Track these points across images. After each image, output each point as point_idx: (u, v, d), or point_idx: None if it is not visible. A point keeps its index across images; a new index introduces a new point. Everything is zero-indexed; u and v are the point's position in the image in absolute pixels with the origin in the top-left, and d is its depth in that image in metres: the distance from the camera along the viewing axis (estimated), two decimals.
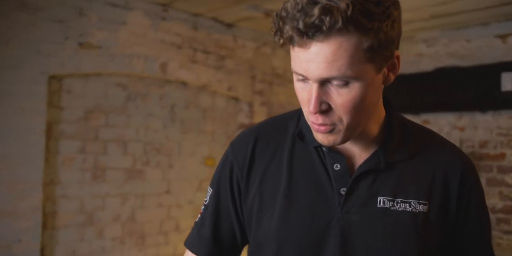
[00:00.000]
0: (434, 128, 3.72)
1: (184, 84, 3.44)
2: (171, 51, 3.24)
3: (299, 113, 1.00)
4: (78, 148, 2.88)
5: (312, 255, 0.90)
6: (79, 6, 2.77)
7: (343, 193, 0.90)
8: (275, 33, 0.80)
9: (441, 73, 3.77)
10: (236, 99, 3.77)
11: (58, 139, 2.79)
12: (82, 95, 2.90)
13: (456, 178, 0.92)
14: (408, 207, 0.89)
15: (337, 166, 0.91)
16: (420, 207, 0.89)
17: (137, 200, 3.16)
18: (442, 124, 3.78)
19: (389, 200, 0.89)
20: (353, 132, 0.86)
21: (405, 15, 3.46)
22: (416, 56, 3.95)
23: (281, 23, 0.77)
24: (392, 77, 0.87)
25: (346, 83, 0.79)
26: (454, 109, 3.69)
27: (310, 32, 0.74)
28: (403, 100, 3.86)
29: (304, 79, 0.82)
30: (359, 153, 0.93)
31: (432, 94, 3.77)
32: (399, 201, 0.89)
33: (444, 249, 0.92)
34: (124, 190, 3.10)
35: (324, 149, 0.93)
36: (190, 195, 3.45)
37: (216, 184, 1.02)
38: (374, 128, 0.92)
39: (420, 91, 3.83)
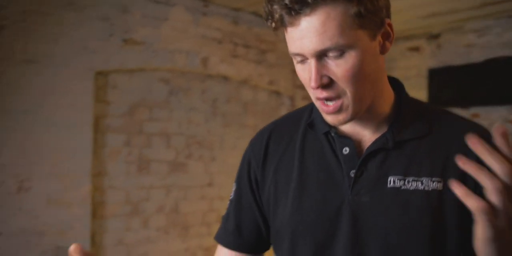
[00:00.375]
0: (485, 122, 3.58)
1: (225, 78, 3.49)
2: (212, 46, 3.30)
3: (312, 105, 1.02)
4: (123, 141, 3.00)
5: (325, 239, 0.90)
6: (122, 4, 2.88)
7: (352, 175, 0.90)
8: (267, 19, 0.83)
9: (493, 64, 3.62)
10: (277, 93, 3.79)
11: (105, 132, 2.92)
12: (127, 90, 3.01)
13: (472, 151, 0.89)
14: (420, 185, 0.87)
15: (346, 150, 0.91)
16: (434, 184, 0.86)
17: (181, 192, 3.26)
18: (494, 118, 3.63)
19: (400, 179, 0.88)
20: (361, 105, 0.86)
21: (453, 5, 3.35)
22: (465, 47, 3.81)
23: (269, 6, 0.81)
24: (388, 45, 0.87)
25: (341, 53, 0.80)
26: (507, 102, 3.54)
27: (297, 6, 0.77)
28: (451, 93, 3.74)
29: (303, 59, 0.84)
30: (369, 137, 0.92)
31: (482, 86, 3.63)
32: (411, 180, 0.87)
33: (463, 228, 0.87)
34: (168, 182, 3.20)
35: (333, 134, 0.93)
36: (232, 187, 3.51)
37: (238, 179, 1.07)
38: (384, 108, 0.92)
39: (469, 84, 3.70)
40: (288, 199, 0.95)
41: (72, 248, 0.75)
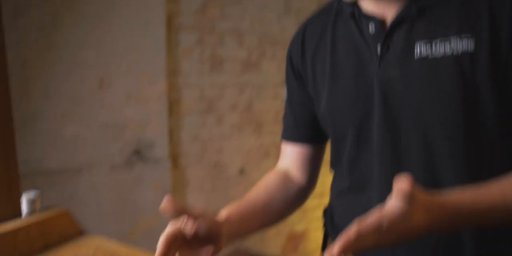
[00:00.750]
0: None
1: None
2: None
3: None
4: (195, 40, 3.01)
5: (361, 120, 0.92)
6: None
7: (379, 52, 0.88)
8: None
9: None
10: None
11: (177, 31, 2.93)
12: None
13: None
14: (448, 49, 0.82)
15: (371, 27, 0.90)
16: (463, 43, 0.81)
17: (254, 91, 3.29)
18: None
19: (426, 43, 0.84)
20: None
21: None
22: None
23: None
24: None
25: None
26: None
27: None
28: None
29: None
30: (394, 11, 0.89)
31: None
32: (438, 42, 0.83)
33: (500, 94, 0.82)
34: (241, 80, 3.22)
35: (357, 16, 0.92)
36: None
37: (286, 79, 1.11)
38: None
39: None
40: (325, 86, 0.97)
41: (161, 207, 0.78)
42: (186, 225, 0.84)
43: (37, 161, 2.51)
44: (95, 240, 1.19)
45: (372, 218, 0.66)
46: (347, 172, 0.98)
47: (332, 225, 1.08)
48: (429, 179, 0.86)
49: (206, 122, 3.14)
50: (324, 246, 1.16)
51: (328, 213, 1.11)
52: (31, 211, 1.19)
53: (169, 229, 0.83)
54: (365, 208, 0.90)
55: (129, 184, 2.83)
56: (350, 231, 0.64)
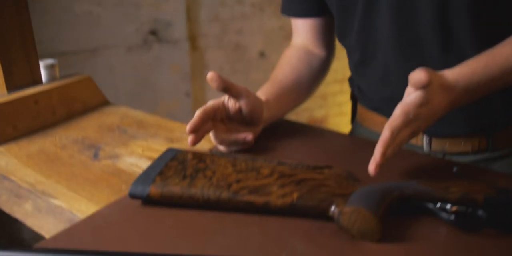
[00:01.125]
0: None
1: None
2: None
3: None
4: None
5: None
6: None
7: None
8: None
9: None
10: None
11: None
12: None
13: None
14: None
15: None
16: None
17: None
18: None
19: None
20: None
21: None
22: None
23: None
24: None
25: None
26: None
27: None
28: None
29: None
30: None
31: None
32: None
33: None
34: None
35: None
36: None
37: None
38: None
39: None
40: None
41: (209, 76, 0.75)
42: (229, 101, 0.81)
43: (51, 42, 2.40)
44: (121, 109, 1.14)
45: (397, 111, 0.65)
46: (358, 44, 0.95)
47: (360, 92, 1.06)
48: (441, 38, 0.82)
49: (225, 0, 2.94)
50: (354, 115, 1.14)
51: (353, 83, 1.09)
52: (51, 78, 1.12)
53: (209, 103, 0.80)
54: (383, 75, 0.93)
55: (147, 66, 2.74)
56: (384, 135, 0.64)
